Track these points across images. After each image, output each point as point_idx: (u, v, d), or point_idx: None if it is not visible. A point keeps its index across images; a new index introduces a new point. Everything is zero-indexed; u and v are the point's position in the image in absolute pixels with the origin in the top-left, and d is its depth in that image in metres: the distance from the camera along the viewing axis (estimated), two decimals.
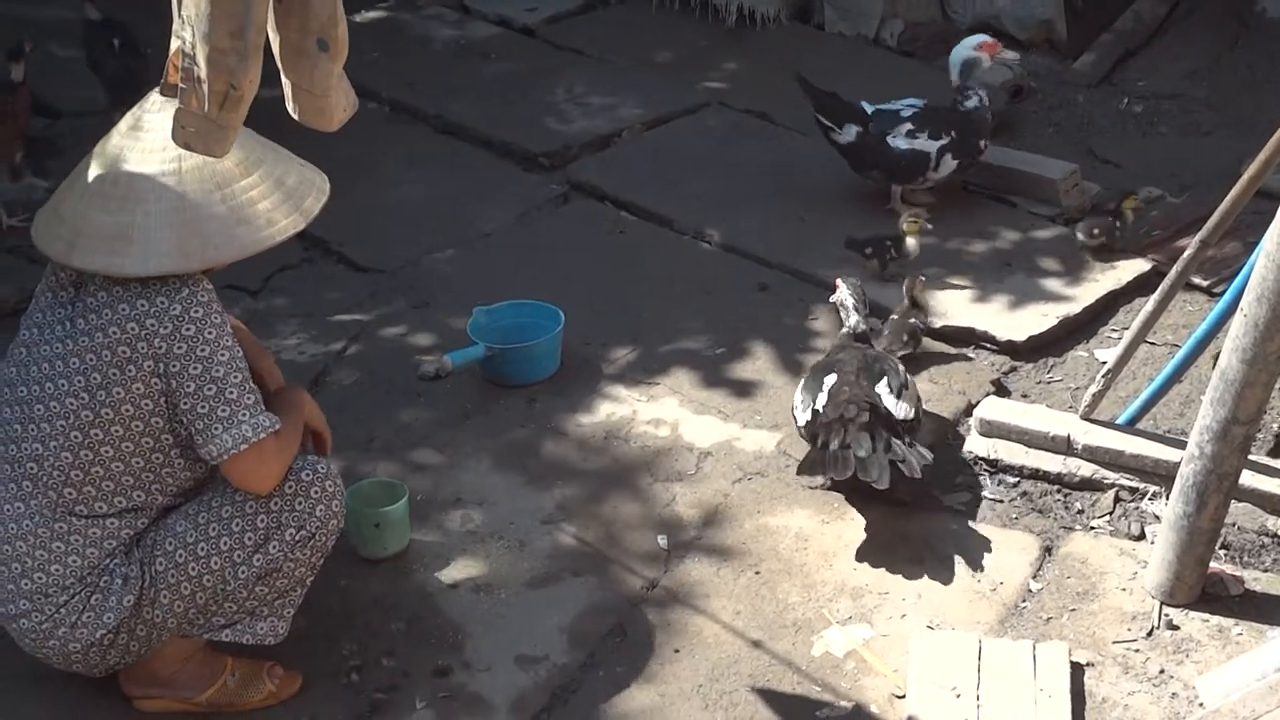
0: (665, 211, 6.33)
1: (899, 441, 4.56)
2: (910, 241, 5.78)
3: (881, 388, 4.73)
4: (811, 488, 4.80)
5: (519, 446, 5.03)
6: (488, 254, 6.11)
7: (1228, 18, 7.98)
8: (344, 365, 5.48)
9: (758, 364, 5.41)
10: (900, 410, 4.68)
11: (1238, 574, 4.35)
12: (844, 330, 5.15)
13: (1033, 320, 5.55)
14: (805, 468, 4.64)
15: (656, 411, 5.17)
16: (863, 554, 4.52)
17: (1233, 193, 4.35)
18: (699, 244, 6.15)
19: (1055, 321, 5.54)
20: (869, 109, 6.30)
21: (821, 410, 4.67)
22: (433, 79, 7.57)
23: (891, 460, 4.50)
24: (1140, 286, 5.78)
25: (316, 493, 3.87)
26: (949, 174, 6.25)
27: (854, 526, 4.64)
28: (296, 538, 3.84)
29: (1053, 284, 5.78)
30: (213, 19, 2.99)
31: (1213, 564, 4.30)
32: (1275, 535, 4.51)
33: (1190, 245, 4.50)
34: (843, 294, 5.20)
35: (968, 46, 6.32)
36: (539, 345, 5.34)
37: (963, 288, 5.74)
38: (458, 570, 4.51)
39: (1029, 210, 6.30)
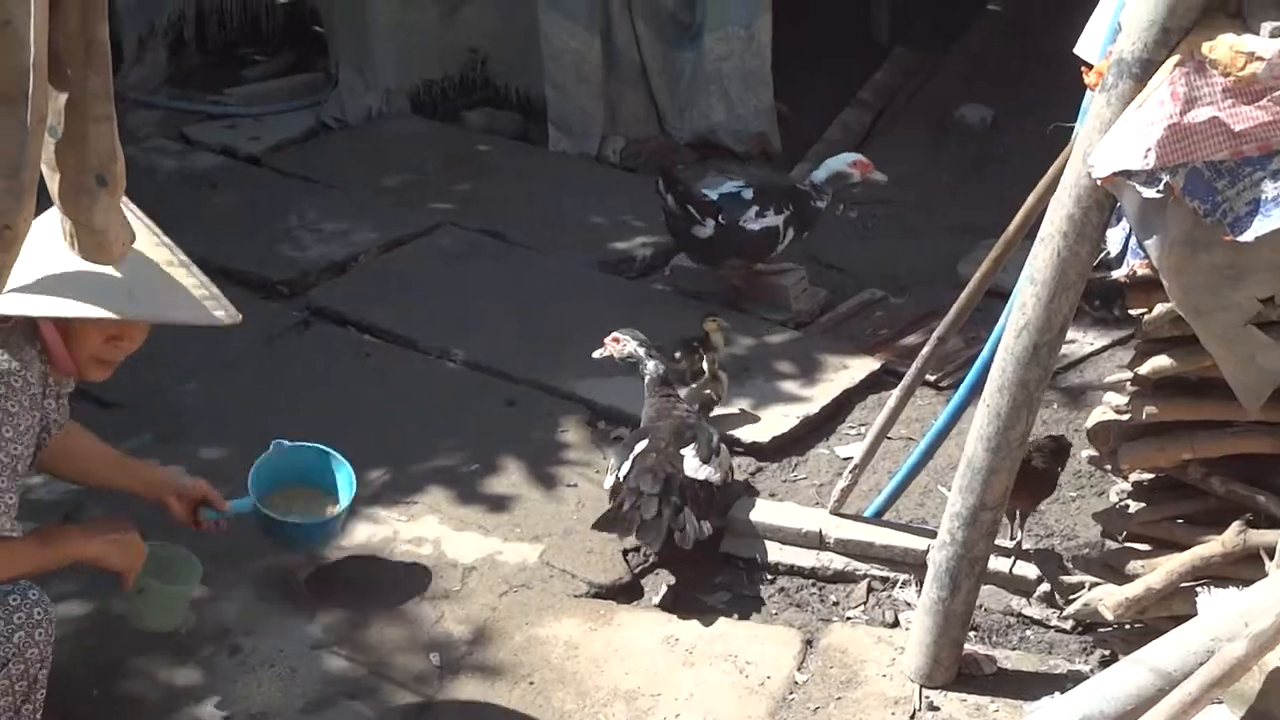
0: (408, 333, 6.39)
1: (688, 512, 4.82)
2: (716, 337, 5.95)
3: (688, 452, 5.00)
4: (587, 591, 4.89)
5: (281, 574, 5.02)
6: (233, 382, 6.09)
7: (929, 125, 8.38)
8: (95, 501, 5.40)
9: (512, 478, 5.49)
10: (703, 473, 4.95)
11: (990, 653, 4.56)
12: (648, 380, 5.36)
13: (775, 421, 5.74)
14: (600, 524, 4.97)
15: (417, 530, 5.22)
16: (633, 658, 4.62)
17: (966, 291, 4.59)
18: (444, 363, 6.23)
19: (796, 421, 5.75)
20: (713, 195, 6.51)
21: (623, 477, 4.93)
22: (160, 211, 7.47)
23: (671, 528, 4.77)
24: (872, 384, 6.04)
25: (19, 618, 3.76)
26: (787, 245, 6.50)
27: (621, 632, 4.74)
28: None
29: (790, 385, 5.99)
30: None
31: (966, 645, 4.50)
32: (1021, 615, 4.75)
33: (929, 342, 4.73)
34: (629, 345, 5.39)
35: (843, 161, 6.61)
36: (320, 525, 4.87)
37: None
38: (230, 704, 4.48)
39: (761, 316, 6.52)
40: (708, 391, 5.76)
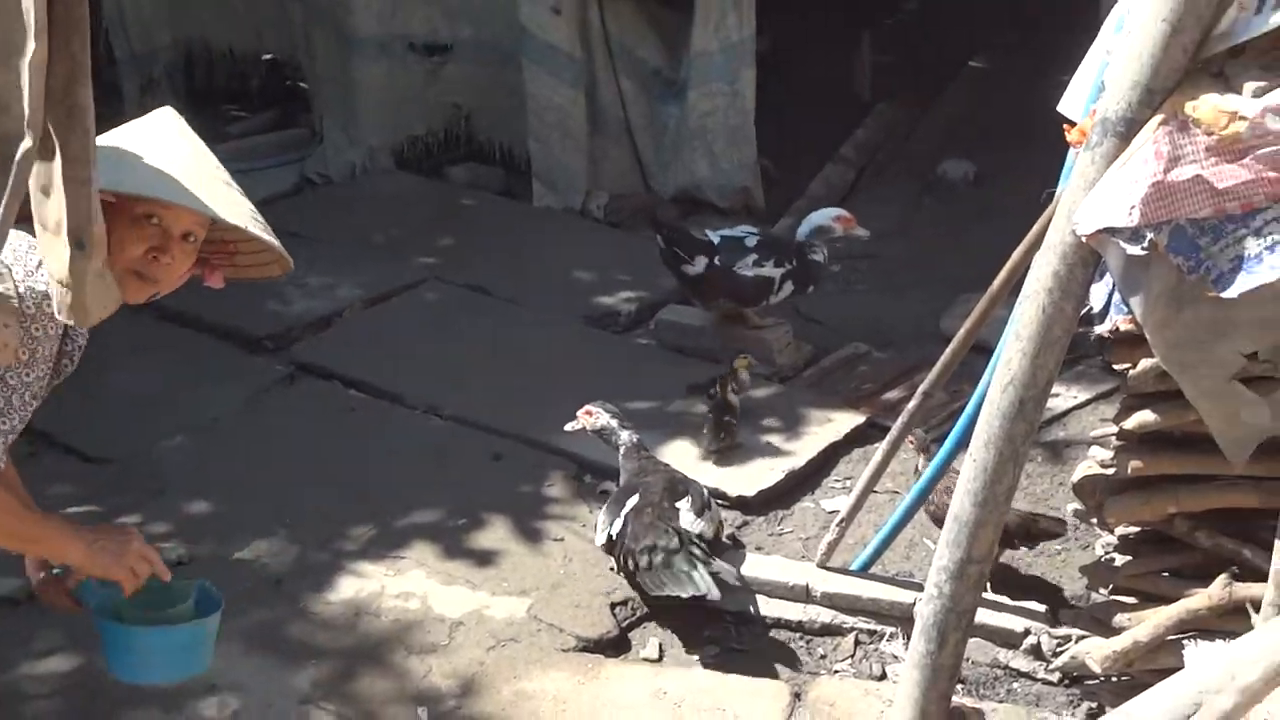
0: (393, 388, 6.41)
1: (711, 559, 4.94)
2: (744, 374, 6.11)
3: (683, 505, 5.08)
4: (575, 645, 4.90)
5: (268, 628, 5.02)
6: (219, 438, 6.10)
7: (912, 181, 8.44)
8: None
9: (499, 532, 5.51)
10: (697, 527, 5.03)
11: (977, 706, 4.57)
12: (623, 450, 5.41)
13: (760, 475, 5.77)
14: (651, 587, 4.94)
15: (404, 585, 5.22)
16: (622, 712, 4.63)
17: (951, 346, 4.63)
18: (430, 418, 6.25)
19: (782, 475, 5.77)
20: (714, 238, 6.64)
21: (616, 535, 4.99)
22: None
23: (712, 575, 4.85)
24: (857, 438, 6.07)
25: None
26: (785, 297, 6.64)
27: (609, 685, 4.75)
28: None
29: (776, 439, 6.02)
30: None
31: (953, 698, 4.51)
32: (1007, 667, 4.77)
33: (914, 397, 4.76)
34: (601, 418, 5.47)
35: (826, 216, 6.72)
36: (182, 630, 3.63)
37: (691, 448, 5.94)
38: None
39: None
40: (727, 417, 5.93)
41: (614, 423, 5.47)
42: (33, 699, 4.78)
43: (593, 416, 5.51)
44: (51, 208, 3.14)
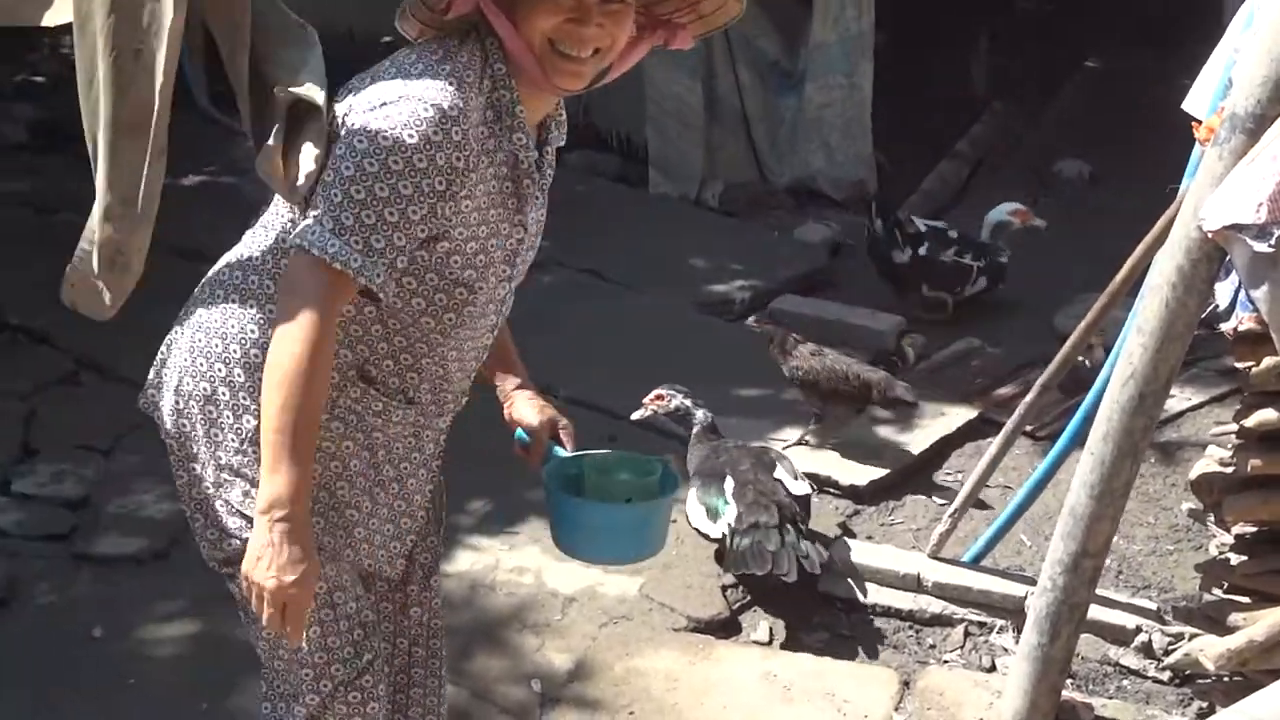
0: None
1: (805, 539, 4.95)
2: (909, 350, 6.53)
3: (781, 474, 5.14)
4: (687, 625, 4.95)
5: None
6: None
7: (1027, 179, 8.43)
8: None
9: None
10: (801, 489, 5.11)
11: (1087, 701, 4.58)
12: (696, 430, 5.44)
13: (872, 465, 5.80)
14: (730, 566, 4.99)
15: (519, 560, 5.30)
16: (732, 693, 4.68)
17: (1069, 341, 4.65)
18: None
19: (894, 467, 5.80)
20: (923, 226, 7.06)
21: (734, 522, 4.99)
22: None
23: (797, 556, 4.87)
24: (969, 432, 6.08)
25: None
26: (977, 291, 7.06)
27: (720, 666, 4.80)
28: None
29: (887, 431, 6.05)
30: (109, 186, 3.06)
31: (1063, 692, 4.53)
32: (1117, 664, 4.77)
33: (1032, 390, 4.77)
34: (676, 399, 5.47)
35: (1002, 212, 7.13)
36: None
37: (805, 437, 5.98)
38: None
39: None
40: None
41: (688, 402, 5.47)
42: (151, 661, 4.88)
43: (665, 400, 5.49)
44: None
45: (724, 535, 5.04)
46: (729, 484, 5.10)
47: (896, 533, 5.49)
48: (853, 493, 5.69)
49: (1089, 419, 4.45)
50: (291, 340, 2.74)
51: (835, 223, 7.97)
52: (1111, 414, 4.09)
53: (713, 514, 5.09)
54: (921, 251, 7.00)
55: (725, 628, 5.02)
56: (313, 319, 2.73)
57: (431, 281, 2.95)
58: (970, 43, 9.96)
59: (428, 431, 3.24)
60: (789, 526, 4.97)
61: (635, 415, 5.56)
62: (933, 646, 4.94)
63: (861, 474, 5.74)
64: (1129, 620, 4.80)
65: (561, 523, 3.41)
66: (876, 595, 5.08)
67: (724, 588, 5.13)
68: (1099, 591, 4.69)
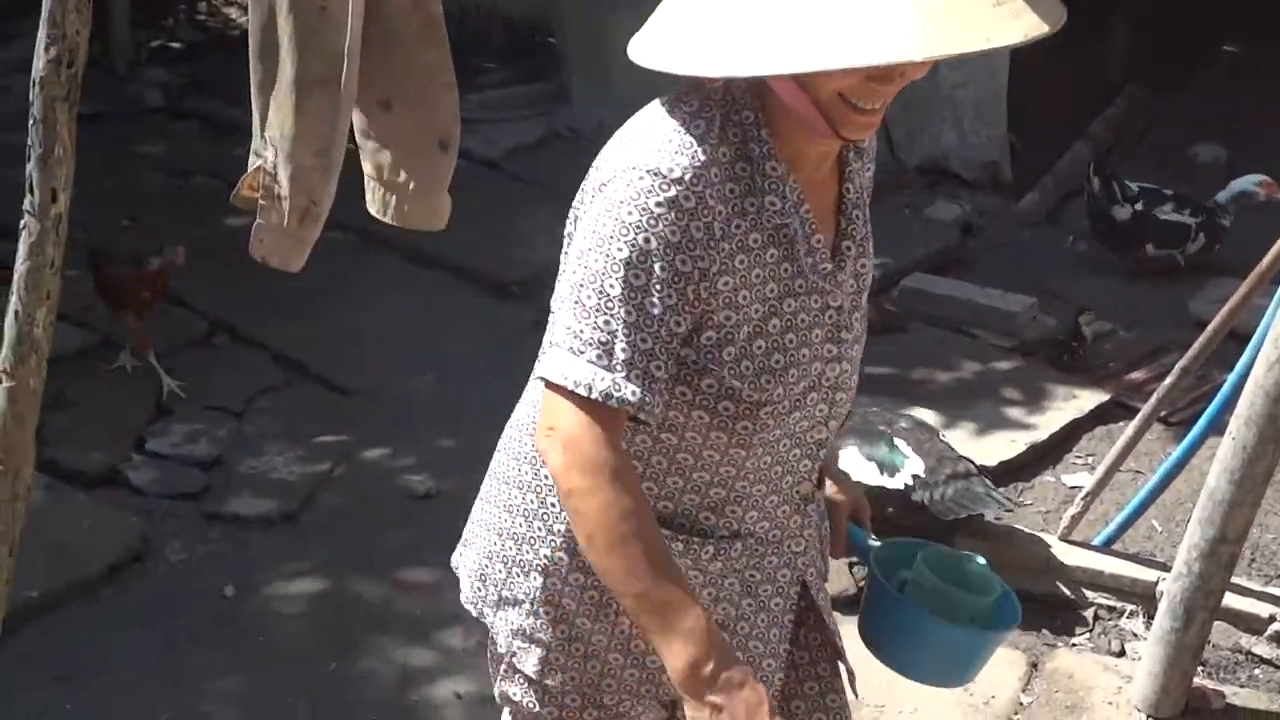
0: None
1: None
2: (1086, 330, 6.43)
3: (944, 436, 5.25)
4: None
5: None
6: (467, 378, 6.22)
7: (1161, 163, 8.31)
8: (333, 486, 5.58)
9: None
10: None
11: (1218, 689, 4.53)
12: None
13: (1001, 446, 5.74)
14: (942, 514, 4.97)
15: None
16: (857, 666, 4.65)
17: (1212, 325, 4.57)
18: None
19: (1024, 448, 5.75)
20: (1135, 187, 7.14)
21: (929, 469, 5.01)
22: None
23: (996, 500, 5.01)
24: (1100, 416, 6.01)
25: None
26: (1197, 250, 7.06)
27: (847, 642, 4.76)
28: None
29: (1016, 413, 5.99)
30: (298, 139, 3.10)
31: (1194, 679, 4.48)
32: (1250, 653, 4.71)
33: (1172, 374, 4.71)
34: None
35: (1249, 181, 7.11)
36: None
37: (929, 415, 5.93)
38: (462, 684, 4.60)
39: (990, 342, 6.53)
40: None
41: None
42: (280, 619, 4.94)
43: None
44: (410, 116, 3.20)
45: (906, 486, 5.00)
46: (900, 441, 5.07)
47: (1025, 514, 5.44)
48: (982, 473, 5.63)
49: (1227, 405, 4.40)
50: (579, 505, 2.34)
51: (966, 203, 7.90)
52: (1255, 399, 4.04)
53: (889, 469, 5.01)
54: (1138, 208, 7.08)
55: (852, 604, 4.96)
56: (584, 465, 2.33)
57: (710, 388, 2.43)
58: (1105, 24, 9.83)
59: (770, 558, 2.66)
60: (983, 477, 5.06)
61: None
62: (1062, 629, 4.89)
63: (991, 454, 5.68)
64: (1263, 609, 4.72)
65: (884, 624, 2.87)
66: (1005, 577, 5.00)
67: (850, 564, 5.10)
68: (1233, 579, 4.63)
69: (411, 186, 3.27)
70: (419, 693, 4.58)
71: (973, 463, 5.11)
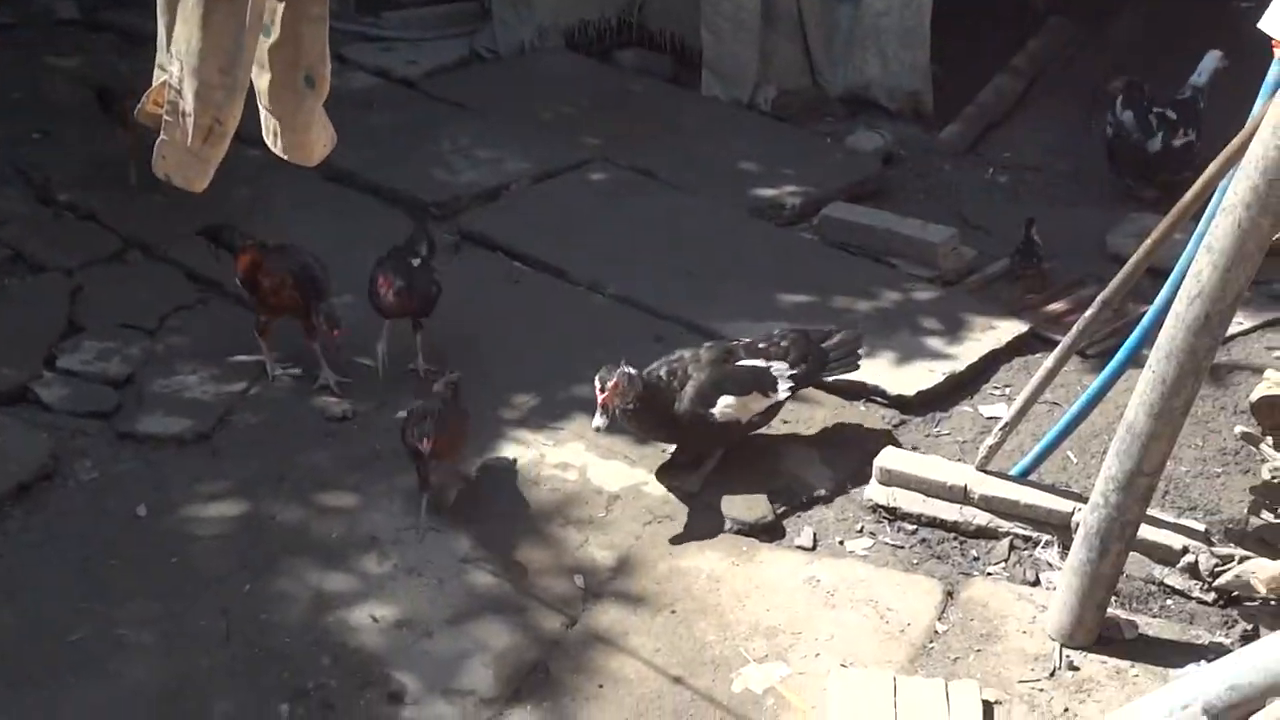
0: (559, 263, 6.45)
1: None
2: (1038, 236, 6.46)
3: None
4: (731, 528, 4.94)
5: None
6: None
7: (1082, 96, 8.32)
8: (248, 405, 5.52)
9: None
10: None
11: (1131, 619, 4.57)
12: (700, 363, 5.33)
13: (920, 376, 5.76)
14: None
15: (563, 455, 5.29)
16: (774, 595, 4.67)
17: (1134, 258, 4.58)
18: (593, 295, 6.28)
19: (942, 378, 5.76)
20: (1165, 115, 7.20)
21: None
22: None
23: None
24: (1018, 347, 6.03)
25: None
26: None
27: (763, 569, 4.79)
28: None
29: (935, 343, 6.00)
30: (203, 55, 3.06)
31: (1108, 609, 4.51)
32: (1162, 584, 4.74)
33: (1092, 306, 4.71)
34: (629, 377, 5.03)
35: (1215, 59, 7.25)
36: None
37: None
38: (378, 607, 4.58)
39: (909, 272, 6.52)
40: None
41: (638, 370, 5.08)
42: (197, 539, 4.90)
43: (620, 387, 4.98)
44: (282, 48, 3.20)
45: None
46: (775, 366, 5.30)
47: (943, 444, 5.45)
48: (899, 402, 5.65)
49: (1145, 339, 4.42)
50: None
51: (888, 132, 7.87)
52: (1175, 332, 4.06)
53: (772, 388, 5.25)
54: (1164, 138, 7.15)
55: (769, 531, 5.00)
56: None
57: None
58: None
59: None
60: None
61: (595, 424, 4.97)
62: (977, 558, 4.91)
63: (909, 384, 5.70)
64: (1176, 540, 4.75)
65: None
66: (921, 505, 5.04)
67: (770, 492, 5.11)
68: (1149, 511, 4.67)
69: (283, 120, 3.24)
70: (335, 615, 4.55)
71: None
